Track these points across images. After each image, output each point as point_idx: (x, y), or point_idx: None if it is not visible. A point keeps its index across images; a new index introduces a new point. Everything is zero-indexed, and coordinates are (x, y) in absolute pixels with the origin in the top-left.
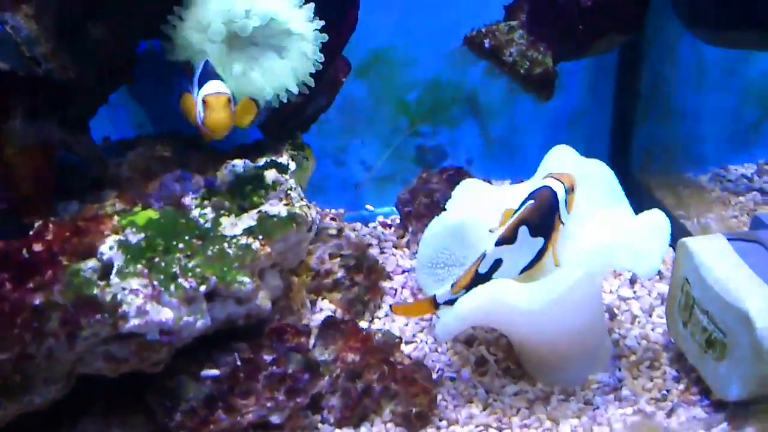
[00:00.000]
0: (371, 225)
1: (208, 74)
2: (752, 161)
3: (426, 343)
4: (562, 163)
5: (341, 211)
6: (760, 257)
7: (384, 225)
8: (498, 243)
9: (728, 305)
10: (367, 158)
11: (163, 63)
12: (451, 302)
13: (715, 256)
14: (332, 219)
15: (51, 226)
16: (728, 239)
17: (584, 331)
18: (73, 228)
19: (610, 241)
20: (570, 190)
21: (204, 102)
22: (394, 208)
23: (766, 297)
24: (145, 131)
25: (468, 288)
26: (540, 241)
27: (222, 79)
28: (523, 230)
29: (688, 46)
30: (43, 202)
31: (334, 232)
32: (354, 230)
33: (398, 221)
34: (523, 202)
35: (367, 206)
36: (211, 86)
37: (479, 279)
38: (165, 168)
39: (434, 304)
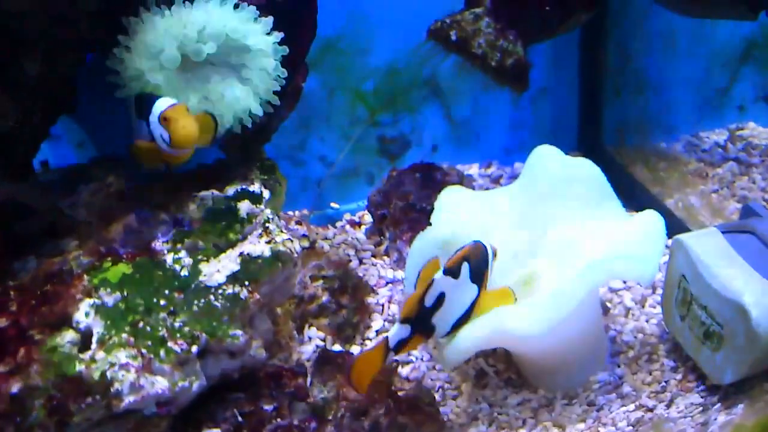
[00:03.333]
0: (339, 224)
1: (150, 98)
2: (723, 126)
3: (422, 360)
4: (546, 163)
5: (305, 212)
6: (753, 248)
7: (352, 223)
8: (445, 272)
9: (726, 300)
10: (327, 154)
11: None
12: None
13: (712, 253)
14: (298, 223)
15: (12, 293)
16: (722, 232)
17: (584, 339)
18: (40, 295)
19: (608, 253)
20: (493, 256)
21: (164, 119)
22: (366, 210)
23: (760, 289)
24: (85, 151)
25: (415, 322)
26: (475, 289)
27: None
28: (465, 268)
29: (656, 16)
30: None
31: (306, 244)
32: (326, 239)
33: (367, 218)
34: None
35: (332, 204)
36: (162, 102)
37: (424, 312)
38: (124, 206)
39: (387, 348)
